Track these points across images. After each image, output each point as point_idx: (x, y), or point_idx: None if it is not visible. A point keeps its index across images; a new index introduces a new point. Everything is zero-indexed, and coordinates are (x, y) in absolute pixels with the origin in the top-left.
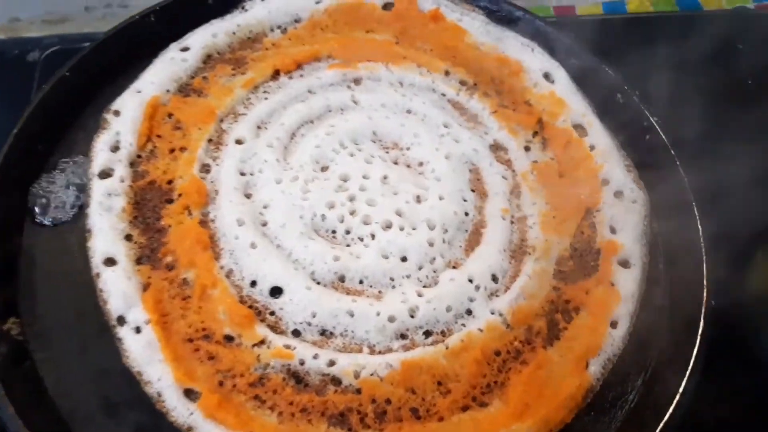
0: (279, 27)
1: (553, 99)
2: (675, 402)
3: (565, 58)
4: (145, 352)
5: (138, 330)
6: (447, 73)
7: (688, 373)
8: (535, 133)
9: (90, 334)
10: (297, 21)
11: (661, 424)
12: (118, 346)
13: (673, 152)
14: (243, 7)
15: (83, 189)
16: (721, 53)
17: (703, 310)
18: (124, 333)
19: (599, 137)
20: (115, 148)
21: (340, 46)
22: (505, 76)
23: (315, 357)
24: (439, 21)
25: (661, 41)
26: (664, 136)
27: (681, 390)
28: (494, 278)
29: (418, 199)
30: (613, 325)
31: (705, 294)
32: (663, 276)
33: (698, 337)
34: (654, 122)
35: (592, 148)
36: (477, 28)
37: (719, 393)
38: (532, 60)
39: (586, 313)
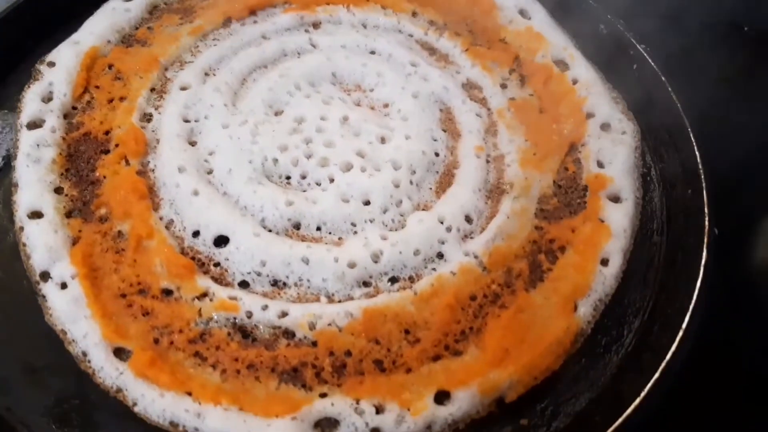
0: None
1: (530, 34)
2: (677, 342)
3: None
4: (69, 309)
5: (63, 285)
6: (414, 14)
7: (690, 309)
8: (512, 70)
9: (10, 294)
10: None
11: (662, 367)
12: (41, 303)
13: (663, 78)
14: None
15: (9, 148)
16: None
17: (705, 239)
18: (48, 289)
19: (582, 70)
20: (48, 99)
21: None
22: (477, 15)
23: (264, 308)
24: None
25: None
26: (653, 63)
27: (683, 328)
28: (468, 219)
29: (383, 140)
30: (604, 262)
31: (707, 222)
32: (659, 209)
33: (701, 269)
34: (642, 50)
35: (574, 81)
36: None
37: (725, 333)
38: None
39: (572, 251)
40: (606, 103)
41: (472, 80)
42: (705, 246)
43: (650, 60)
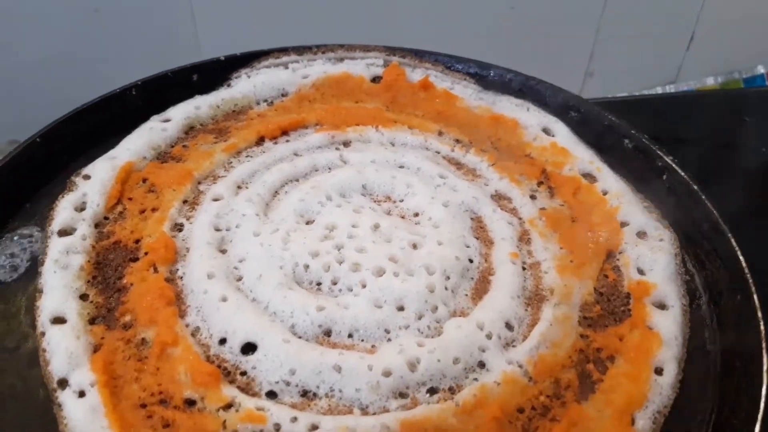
0: (265, 101)
1: (555, 149)
2: None
3: (563, 113)
4: (87, 418)
5: (81, 394)
6: (440, 133)
7: (759, 418)
8: (540, 183)
9: (26, 402)
10: (284, 95)
11: None
12: (57, 413)
13: (696, 187)
14: (228, 84)
15: (38, 255)
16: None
17: (764, 346)
18: (65, 397)
19: (611, 181)
20: (80, 209)
21: (328, 114)
22: (501, 133)
23: (293, 420)
24: (430, 89)
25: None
26: (683, 173)
27: None
28: (508, 326)
29: (414, 246)
30: (658, 371)
31: (762, 327)
32: (708, 317)
33: (764, 375)
34: (670, 161)
35: (604, 192)
36: (469, 94)
37: None
38: (528, 117)
39: (623, 360)
40: (639, 212)
41: (500, 191)
42: (764, 351)
43: (679, 170)
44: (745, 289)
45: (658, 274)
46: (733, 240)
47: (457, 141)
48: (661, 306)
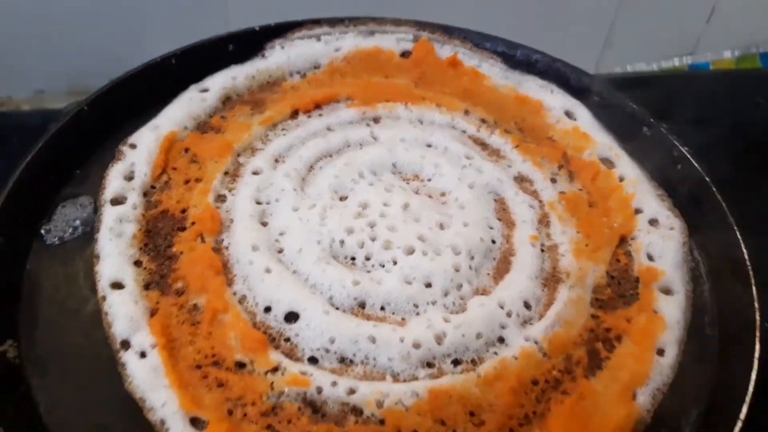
0: (298, 72)
1: (576, 134)
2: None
3: (586, 96)
4: (149, 377)
5: (143, 354)
6: (467, 112)
7: (747, 399)
8: (561, 166)
9: (91, 361)
10: (316, 67)
11: None
12: (121, 371)
13: (708, 179)
14: (263, 54)
15: (92, 220)
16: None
17: (757, 334)
18: (128, 357)
19: (628, 168)
20: (129, 178)
21: (359, 88)
22: (525, 114)
23: (333, 384)
24: (458, 67)
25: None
26: (697, 165)
27: (741, 419)
28: (527, 305)
29: (442, 226)
30: (660, 352)
31: (757, 316)
32: (709, 303)
33: (755, 362)
34: (685, 152)
35: (621, 179)
36: (496, 73)
37: None
38: (552, 99)
39: (629, 341)
40: (653, 200)
41: (523, 174)
42: (757, 339)
43: (694, 161)
44: (745, 279)
45: (667, 261)
46: (738, 232)
47: (483, 121)
48: (667, 291)
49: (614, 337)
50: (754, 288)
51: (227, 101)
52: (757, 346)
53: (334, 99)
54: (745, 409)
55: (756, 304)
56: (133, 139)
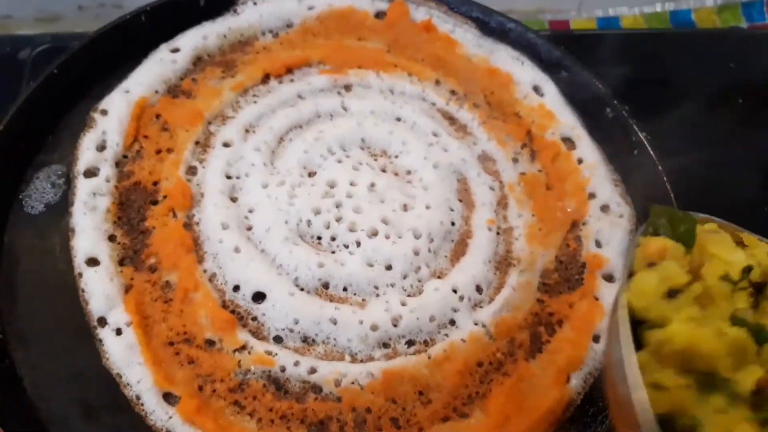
0: (271, 31)
1: (542, 111)
2: None
3: (555, 71)
4: (125, 354)
5: (119, 332)
6: (437, 82)
7: None
8: (524, 145)
9: (70, 335)
10: (289, 26)
11: None
12: (99, 347)
13: (660, 168)
14: (235, 10)
15: (65, 187)
16: (713, 72)
17: None
18: (105, 334)
19: (588, 151)
20: (101, 148)
21: (332, 52)
22: (495, 87)
23: (296, 364)
24: (431, 31)
25: (653, 59)
26: (652, 152)
27: None
28: (478, 289)
29: (405, 208)
30: (596, 339)
31: None
32: None
33: None
34: (642, 137)
35: (580, 161)
36: (469, 40)
37: None
38: (522, 72)
39: (569, 326)
40: (607, 185)
41: (487, 153)
42: None
43: (650, 148)
44: None
45: (612, 249)
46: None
47: (453, 93)
48: (609, 278)
49: (556, 321)
50: None
51: (198, 62)
52: None
53: (305, 63)
54: None
55: None
56: (104, 104)
